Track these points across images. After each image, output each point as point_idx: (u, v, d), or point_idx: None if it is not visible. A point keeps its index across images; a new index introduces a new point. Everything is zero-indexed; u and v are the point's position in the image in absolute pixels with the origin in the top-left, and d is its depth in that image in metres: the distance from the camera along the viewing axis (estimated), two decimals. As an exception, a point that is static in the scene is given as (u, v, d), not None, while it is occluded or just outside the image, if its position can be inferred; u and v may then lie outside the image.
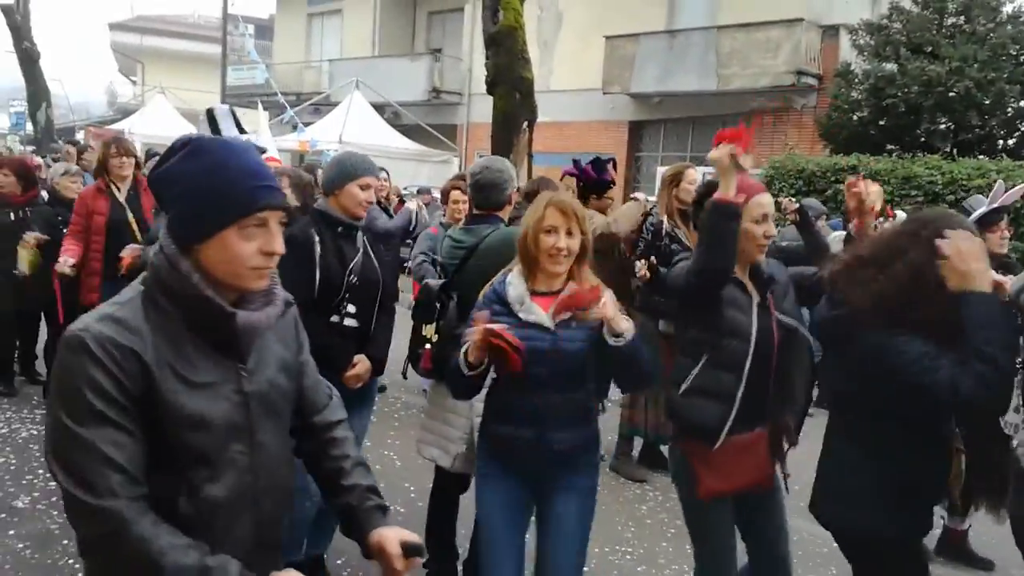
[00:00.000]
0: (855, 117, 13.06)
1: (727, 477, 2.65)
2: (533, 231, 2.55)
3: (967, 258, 2.15)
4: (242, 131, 3.32)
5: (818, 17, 15.28)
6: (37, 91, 25.34)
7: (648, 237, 4.82)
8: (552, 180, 5.05)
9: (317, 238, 3.16)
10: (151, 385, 1.41)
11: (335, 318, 3.23)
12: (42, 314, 6.07)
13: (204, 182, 1.47)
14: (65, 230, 5.26)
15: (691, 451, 2.71)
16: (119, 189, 5.25)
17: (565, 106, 18.11)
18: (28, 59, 25.21)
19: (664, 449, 4.94)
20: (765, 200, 2.71)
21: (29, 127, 26.75)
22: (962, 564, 4.28)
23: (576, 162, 5.15)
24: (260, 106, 11.76)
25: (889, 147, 12.47)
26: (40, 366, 6.41)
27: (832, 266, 2.50)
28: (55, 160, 10.45)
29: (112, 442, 1.37)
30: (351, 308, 3.25)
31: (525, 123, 11.79)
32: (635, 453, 5.39)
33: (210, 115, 3.34)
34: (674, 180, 4.85)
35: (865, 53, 13.57)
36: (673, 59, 16.61)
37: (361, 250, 3.32)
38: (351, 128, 16.77)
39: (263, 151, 3.35)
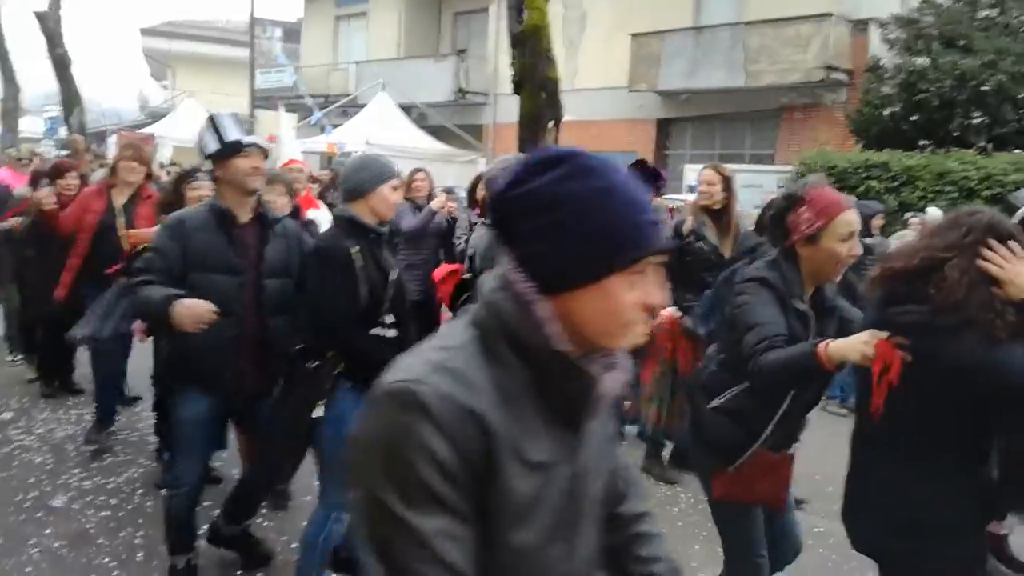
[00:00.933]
0: (886, 113, 12.87)
1: (746, 486, 2.62)
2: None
3: (1014, 271, 2.05)
4: (222, 140, 3.26)
5: (847, 12, 15.08)
6: (70, 96, 25.77)
7: (671, 235, 4.88)
8: None
9: (356, 248, 3.02)
10: (490, 460, 1.10)
11: (377, 330, 3.11)
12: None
13: (596, 212, 1.13)
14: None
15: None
16: (121, 193, 5.06)
17: (591, 104, 18.05)
18: (61, 65, 25.63)
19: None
20: (852, 218, 2.50)
21: (63, 132, 27.19)
22: (1001, 568, 4.21)
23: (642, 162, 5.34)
24: (282, 108, 11.82)
25: (922, 142, 12.28)
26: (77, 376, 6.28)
27: (871, 284, 2.31)
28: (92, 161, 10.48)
29: (449, 536, 1.06)
30: (389, 318, 3.14)
31: (551, 122, 11.77)
32: (665, 454, 5.35)
33: (212, 122, 3.31)
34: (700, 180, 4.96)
35: (896, 47, 13.38)
36: (700, 55, 16.49)
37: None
38: (377, 130, 16.82)
39: (263, 152, 3.36)
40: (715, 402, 2.65)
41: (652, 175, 5.34)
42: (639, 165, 5.52)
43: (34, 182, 6.13)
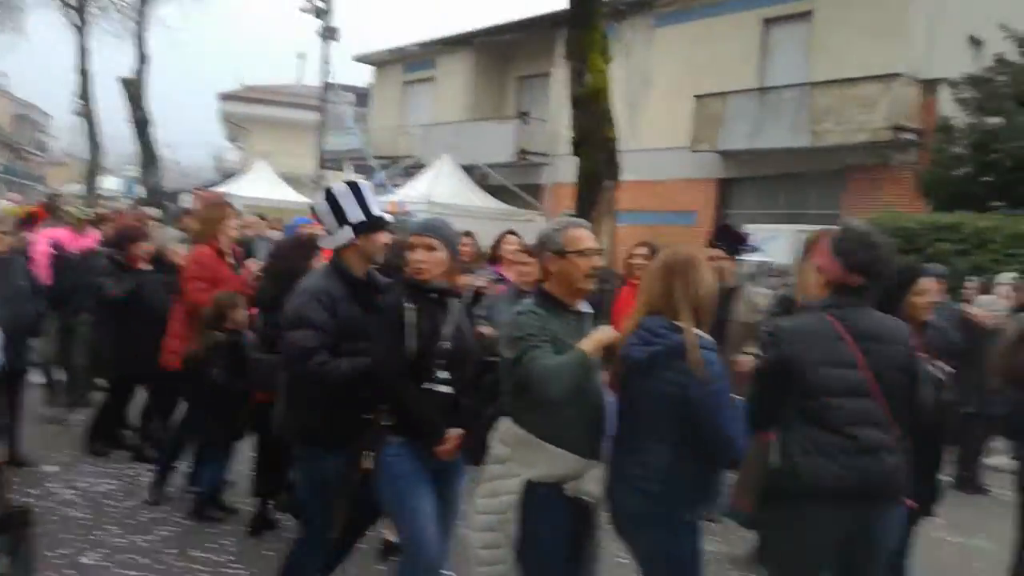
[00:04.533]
0: (958, 173, 12.47)
1: None
2: None
3: None
4: (369, 213, 3.29)
5: (916, 71, 14.76)
6: (147, 157, 26.98)
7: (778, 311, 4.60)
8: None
9: (412, 305, 3.11)
10: None
11: (430, 385, 3.14)
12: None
13: None
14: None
15: None
16: (228, 253, 5.18)
17: (654, 164, 18.01)
18: (141, 126, 26.91)
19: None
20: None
21: (139, 190, 28.42)
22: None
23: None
24: (348, 168, 12.32)
25: (994, 203, 11.83)
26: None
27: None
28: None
29: None
30: (443, 374, 3.15)
31: (608, 182, 11.74)
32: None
33: (329, 196, 3.31)
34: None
35: (969, 108, 13.01)
36: (764, 116, 16.36)
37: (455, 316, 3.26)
38: (440, 189, 17.09)
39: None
40: None
41: (735, 238, 5.33)
42: (723, 229, 5.51)
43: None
